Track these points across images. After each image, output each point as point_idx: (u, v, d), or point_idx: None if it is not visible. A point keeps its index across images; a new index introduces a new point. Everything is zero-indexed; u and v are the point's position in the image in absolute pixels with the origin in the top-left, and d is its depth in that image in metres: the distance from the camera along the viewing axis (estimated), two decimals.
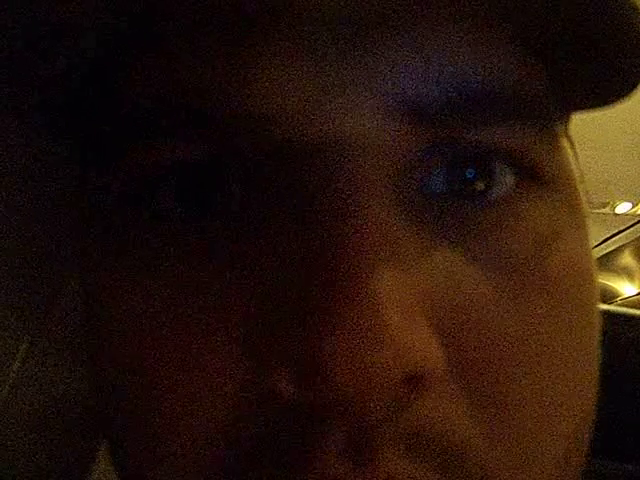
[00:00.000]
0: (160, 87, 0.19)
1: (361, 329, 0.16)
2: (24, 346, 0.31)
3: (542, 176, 0.22)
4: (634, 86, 0.23)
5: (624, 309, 0.42)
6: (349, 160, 0.19)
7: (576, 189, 0.24)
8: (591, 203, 2.81)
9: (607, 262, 3.46)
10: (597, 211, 2.89)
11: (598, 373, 0.23)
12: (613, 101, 0.24)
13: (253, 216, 0.20)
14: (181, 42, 0.19)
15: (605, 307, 0.43)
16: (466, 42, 0.20)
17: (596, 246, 3.29)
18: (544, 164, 0.22)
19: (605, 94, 0.23)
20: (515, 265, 0.21)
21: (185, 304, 0.20)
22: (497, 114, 0.20)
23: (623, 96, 0.23)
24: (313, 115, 0.19)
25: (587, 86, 0.23)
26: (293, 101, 0.18)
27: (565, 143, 0.24)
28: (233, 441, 0.19)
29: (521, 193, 0.21)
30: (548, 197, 0.22)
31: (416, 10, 0.19)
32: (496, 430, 0.20)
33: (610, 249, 3.31)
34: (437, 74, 0.19)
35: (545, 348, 0.21)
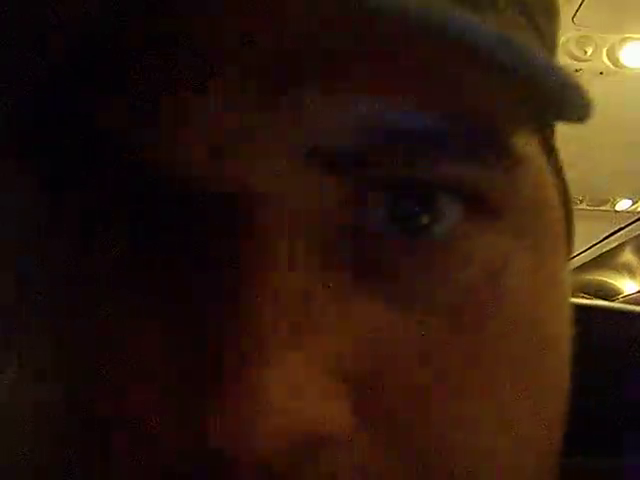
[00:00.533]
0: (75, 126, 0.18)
1: (243, 403, 0.16)
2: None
3: (494, 205, 0.20)
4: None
5: (625, 306, 0.42)
6: (258, 210, 0.18)
7: (538, 212, 0.22)
8: (591, 200, 2.81)
9: (608, 260, 3.47)
10: (597, 208, 2.89)
11: (564, 415, 0.22)
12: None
13: (188, 255, 0.19)
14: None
15: (607, 304, 0.43)
16: (391, 86, 0.18)
17: (596, 243, 3.29)
18: (495, 192, 0.20)
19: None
20: (464, 301, 0.20)
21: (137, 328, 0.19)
22: (435, 154, 0.19)
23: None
24: (220, 162, 0.18)
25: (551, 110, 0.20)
26: (201, 148, 0.18)
27: (530, 160, 0.22)
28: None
29: (470, 224, 0.20)
30: (500, 227, 0.20)
31: (337, 67, 0.17)
32: None
33: (611, 246, 3.31)
34: (353, 123, 0.18)
35: (497, 395, 0.20)
